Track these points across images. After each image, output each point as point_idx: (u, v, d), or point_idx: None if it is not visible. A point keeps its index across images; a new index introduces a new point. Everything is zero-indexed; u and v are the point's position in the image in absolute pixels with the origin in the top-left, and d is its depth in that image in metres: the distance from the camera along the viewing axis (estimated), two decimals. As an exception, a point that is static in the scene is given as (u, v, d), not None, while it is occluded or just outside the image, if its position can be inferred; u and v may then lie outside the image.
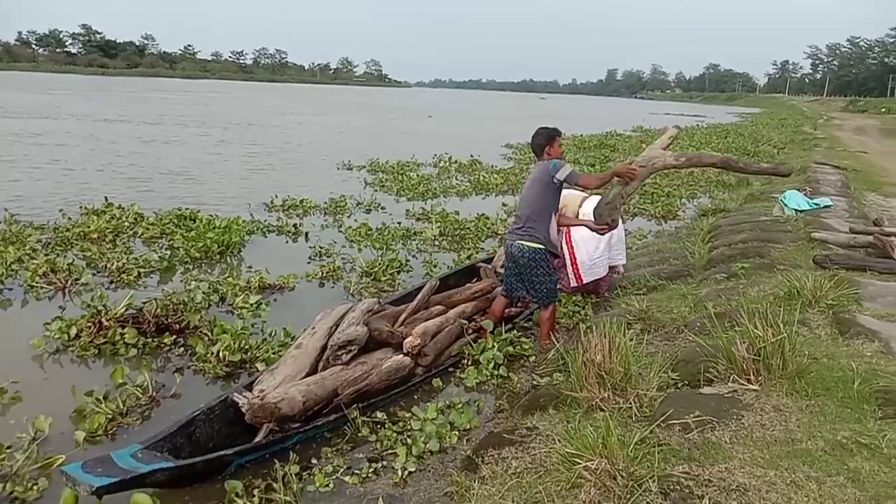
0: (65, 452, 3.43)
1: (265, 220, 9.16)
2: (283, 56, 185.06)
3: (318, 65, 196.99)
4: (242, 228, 8.15)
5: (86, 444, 3.56)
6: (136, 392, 4.08)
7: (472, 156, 17.12)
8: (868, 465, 2.59)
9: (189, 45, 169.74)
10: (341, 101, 58.37)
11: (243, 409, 3.65)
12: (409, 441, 3.69)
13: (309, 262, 7.33)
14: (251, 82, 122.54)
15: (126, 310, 5.15)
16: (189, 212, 8.94)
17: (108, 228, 7.88)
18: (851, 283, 4.92)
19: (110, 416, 3.79)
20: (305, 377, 4.08)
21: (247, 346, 4.71)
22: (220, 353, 4.59)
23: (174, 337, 4.99)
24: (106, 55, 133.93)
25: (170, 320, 5.09)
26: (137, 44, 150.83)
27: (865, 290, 4.80)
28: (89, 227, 7.83)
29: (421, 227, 9.05)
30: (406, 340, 4.57)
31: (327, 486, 3.28)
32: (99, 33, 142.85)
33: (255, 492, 3.16)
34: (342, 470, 3.42)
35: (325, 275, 6.81)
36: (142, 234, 8.04)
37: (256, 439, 3.59)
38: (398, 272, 6.97)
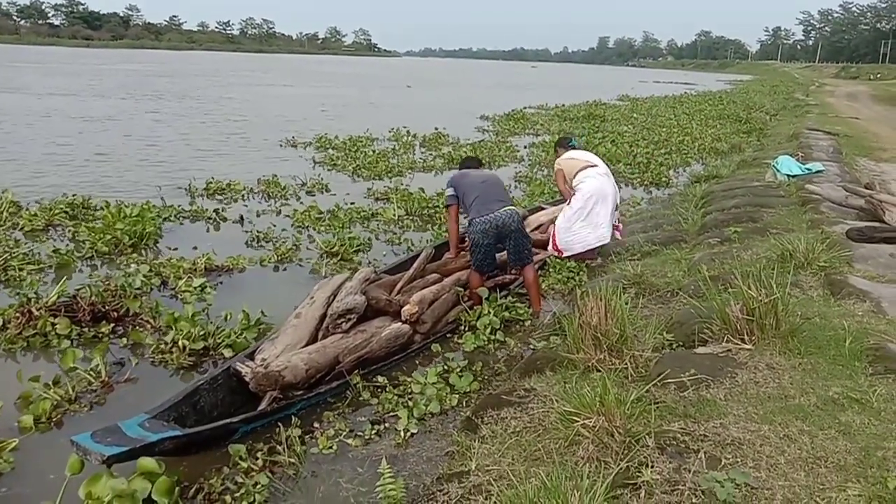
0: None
1: (179, 205, 8.12)
2: (271, 26, 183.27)
3: (307, 35, 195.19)
4: (158, 216, 7.29)
5: (31, 432, 3.41)
6: (88, 377, 3.90)
7: (436, 129, 15.98)
8: (859, 419, 2.66)
9: (174, 16, 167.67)
10: (319, 72, 57.04)
11: (247, 378, 3.69)
12: (411, 404, 3.76)
13: (248, 248, 6.79)
14: (238, 53, 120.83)
15: (59, 297, 4.75)
16: (81, 199, 7.87)
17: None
18: (843, 246, 4.98)
19: (56, 403, 3.61)
20: (306, 346, 4.13)
21: (205, 333, 4.40)
22: (181, 343, 4.27)
23: (112, 325, 4.62)
24: (90, 27, 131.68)
25: (107, 308, 4.71)
26: (121, 15, 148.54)
27: (857, 252, 4.87)
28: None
29: (383, 208, 8.42)
30: (404, 308, 4.62)
31: (331, 448, 3.35)
32: (82, 4, 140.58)
33: (259, 454, 3.22)
34: (345, 433, 3.48)
35: (279, 257, 6.35)
36: (22, 227, 6.94)
37: (260, 407, 3.64)
38: (357, 252, 6.57)
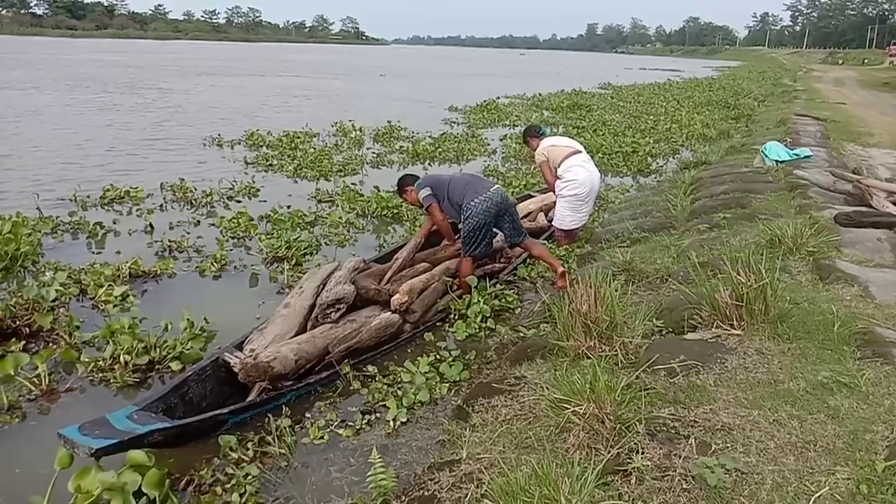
0: None
1: (58, 217, 6.97)
2: (257, 14, 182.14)
3: (294, 23, 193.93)
4: (35, 230, 6.22)
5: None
6: (29, 385, 3.69)
7: (389, 122, 14.73)
8: (847, 403, 2.68)
9: (160, 5, 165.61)
10: (297, 60, 55.74)
11: (236, 369, 3.67)
12: (400, 393, 3.75)
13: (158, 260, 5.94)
14: (224, 42, 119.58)
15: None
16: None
17: None
18: (832, 230, 5.00)
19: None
20: (295, 336, 4.11)
21: (147, 345, 4.05)
22: (122, 358, 3.91)
23: (24, 342, 4.17)
24: (73, 16, 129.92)
25: (18, 323, 4.28)
26: (105, 4, 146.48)
27: (845, 237, 4.89)
28: None
29: (330, 212, 7.67)
30: (393, 298, 4.60)
31: (321, 438, 3.35)
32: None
33: (249, 445, 3.21)
34: (336, 423, 3.48)
35: (216, 262, 5.84)
36: None
37: (250, 398, 3.62)
38: (305, 255, 6.12)
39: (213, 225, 7.14)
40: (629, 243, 6.06)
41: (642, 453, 2.44)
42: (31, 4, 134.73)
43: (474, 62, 70.25)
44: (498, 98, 22.51)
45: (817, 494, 2.15)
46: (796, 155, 8.84)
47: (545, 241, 6.43)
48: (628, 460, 2.41)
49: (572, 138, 7.75)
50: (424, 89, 29.57)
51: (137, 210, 7.69)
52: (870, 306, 3.67)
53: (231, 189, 8.64)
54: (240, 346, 3.96)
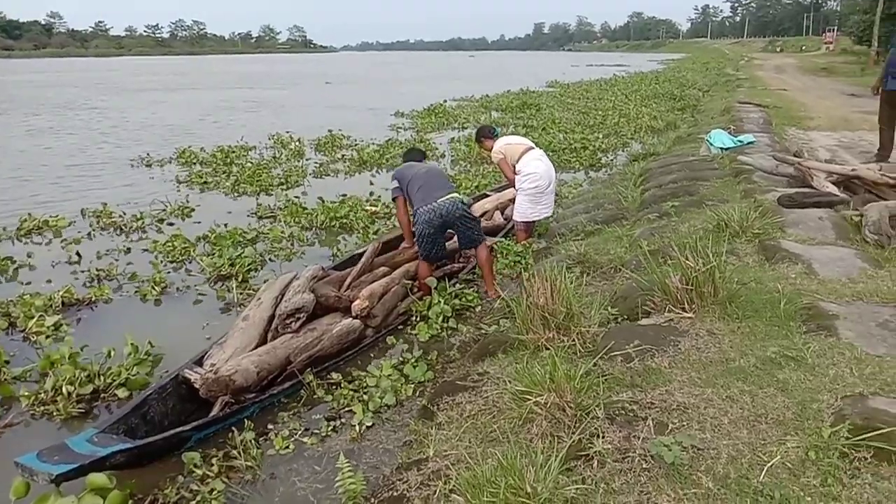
0: None
1: None
2: (202, 27, 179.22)
3: (239, 34, 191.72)
4: None
5: None
6: None
7: (330, 131, 14.48)
8: (795, 375, 2.78)
9: (100, 22, 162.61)
10: (241, 72, 54.75)
11: (196, 385, 3.64)
12: (366, 397, 3.76)
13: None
14: (168, 56, 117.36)
15: None
16: None
17: None
18: (775, 212, 5.17)
19: None
20: (255, 348, 4.08)
21: (90, 374, 3.92)
22: (65, 389, 3.77)
23: None
24: (9, 36, 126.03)
25: None
26: (43, 23, 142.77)
27: (788, 218, 5.06)
28: None
29: (271, 227, 7.44)
30: (354, 303, 4.60)
31: (287, 448, 3.34)
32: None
33: (214, 461, 3.18)
34: (300, 432, 3.48)
35: (156, 285, 5.64)
36: None
37: (212, 413, 3.59)
38: (250, 272, 5.98)
39: (146, 250, 6.75)
40: (583, 236, 6.17)
41: (603, 437, 2.50)
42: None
43: (423, 66, 70.33)
44: (445, 101, 22.15)
45: (770, 464, 2.23)
46: (740, 141, 9.10)
47: (503, 238, 6.51)
48: (590, 445, 2.46)
49: (523, 136, 7.89)
50: (371, 96, 29.09)
51: (62, 241, 7.12)
52: (814, 282, 3.81)
53: (163, 211, 8.26)
54: (199, 362, 3.92)
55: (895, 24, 34.36)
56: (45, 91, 32.15)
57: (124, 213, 8.04)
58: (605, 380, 2.92)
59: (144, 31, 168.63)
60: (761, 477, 2.18)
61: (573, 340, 3.44)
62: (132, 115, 20.88)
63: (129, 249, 6.83)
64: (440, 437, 2.96)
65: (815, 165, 6.37)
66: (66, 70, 58.50)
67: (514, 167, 6.46)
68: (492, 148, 6.65)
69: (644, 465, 2.32)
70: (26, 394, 3.83)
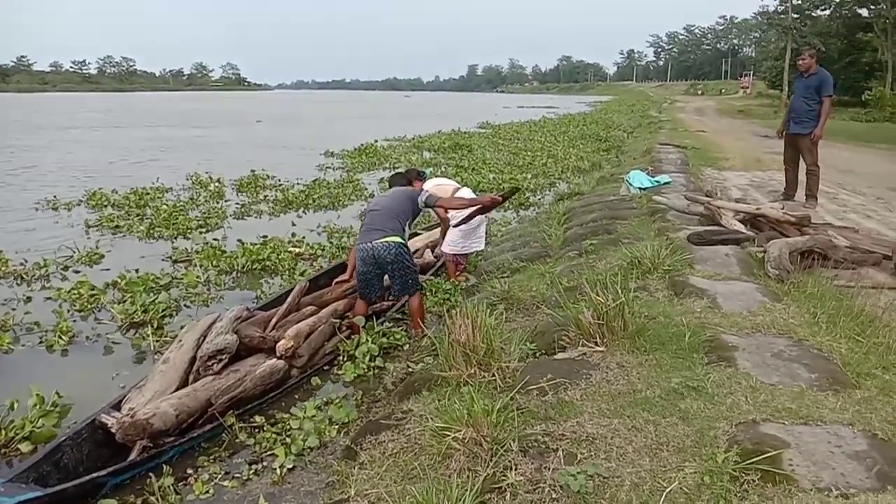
0: None
1: None
2: (132, 64, 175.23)
3: (171, 71, 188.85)
4: None
5: None
6: None
7: (252, 171, 14.47)
8: (696, 405, 2.95)
9: (23, 57, 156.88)
10: (166, 109, 53.65)
11: (113, 429, 3.55)
12: (289, 440, 3.75)
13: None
14: (95, 93, 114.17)
15: None
16: None
17: None
18: (686, 249, 5.46)
19: None
20: (176, 391, 4.02)
21: None
22: None
23: None
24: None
25: None
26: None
27: (697, 254, 5.35)
28: None
29: (187, 271, 7.19)
30: (279, 344, 4.59)
31: (207, 492, 3.29)
32: None
33: (131, 508, 3.11)
34: (220, 475, 3.43)
35: (62, 334, 5.37)
36: None
37: (130, 458, 3.50)
38: (164, 317, 5.82)
39: (49, 298, 6.35)
40: (509, 273, 6.35)
41: (516, 469, 2.60)
42: None
43: (358, 105, 70.90)
44: (377, 141, 21.98)
45: (668, 489, 2.37)
46: (657, 182, 9.56)
47: (432, 277, 6.62)
48: (503, 477, 2.55)
49: (451, 178, 8.11)
50: (302, 135, 29.00)
51: None
52: (717, 316, 4.04)
53: (69, 258, 7.76)
54: (117, 406, 3.83)
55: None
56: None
57: (25, 261, 7.50)
58: (521, 413, 3.02)
59: (71, 67, 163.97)
60: (660, 502, 2.31)
61: (493, 375, 3.54)
62: (46, 154, 19.93)
63: (29, 298, 6.43)
64: (362, 477, 2.99)
65: (724, 205, 6.75)
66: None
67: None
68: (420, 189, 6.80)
69: (553, 495, 2.42)
70: None
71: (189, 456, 3.67)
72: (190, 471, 3.50)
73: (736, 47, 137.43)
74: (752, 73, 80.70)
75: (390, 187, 6.12)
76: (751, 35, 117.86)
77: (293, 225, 9.66)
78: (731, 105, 51.94)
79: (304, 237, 8.61)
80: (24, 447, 3.71)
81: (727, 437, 2.64)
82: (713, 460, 2.49)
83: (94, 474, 3.21)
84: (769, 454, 2.41)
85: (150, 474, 3.31)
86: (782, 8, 48.69)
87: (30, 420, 3.85)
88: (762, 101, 53.95)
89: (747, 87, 74.05)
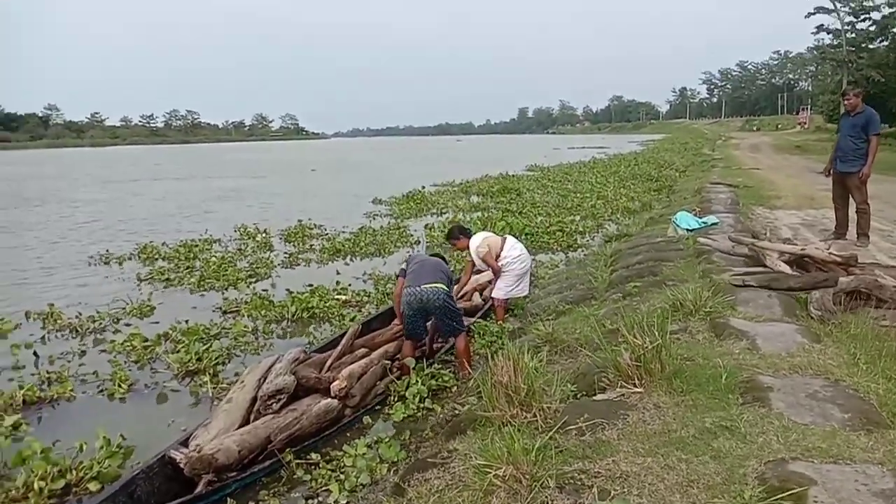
0: None
1: None
2: (196, 116, 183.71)
3: (233, 122, 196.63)
4: None
5: None
6: None
7: (300, 221, 14.89)
8: (728, 444, 3.06)
9: (96, 113, 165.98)
10: (227, 160, 55.64)
11: (181, 464, 3.86)
12: (343, 477, 3.98)
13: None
14: (162, 145, 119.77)
15: None
16: None
17: None
18: (727, 291, 5.53)
19: None
20: (238, 429, 4.32)
21: (62, 469, 4.00)
22: (36, 485, 3.81)
23: None
24: (6, 128, 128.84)
25: None
26: (41, 115, 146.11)
27: (739, 297, 5.41)
28: None
29: (235, 321, 7.44)
30: (333, 384, 4.86)
31: (267, 525, 3.52)
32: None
33: (198, 538, 3.36)
34: (280, 509, 3.67)
35: (122, 383, 5.70)
36: None
37: (196, 490, 3.79)
38: (217, 364, 6.13)
39: (103, 351, 6.67)
40: (554, 316, 6.50)
41: (552, 505, 2.76)
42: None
43: (409, 151, 72.30)
44: (424, 187, 22.20)
45: (696, 524, 2.49)
46: (704, 223, 9.58)
47: (480, 319, 6.83)
48: (540, 513, 2.71)
49: (509, 225, 8.56)
50: (353, 181, 29.85)
51: (12, 346, 6.66)
52: (755, 357, 4.12)
53: (122, 310, 8.04)
54: (185, 443, 4.14)
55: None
56: (27, 184, 31.92)
57: (80, 314, 7.83)
58: (559, 452, 3.18)
59: (139, 121, 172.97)
60: (688, 536, 2.44)
61: (534, 416, 3.70)
62: (108, 208, 20.86)
63: (83, 352, 6.74)
64: (409, 512, 3.19)
65: (768, 246, 6.78)
66: (51, 161, 58.66)
67: (499, 255, 7.02)
68: (466, 246, 7.11)
69: (586, 529, 2.57)
70: None
71: (250, 489, 3.94)
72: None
73: (791, 81, 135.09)
74: (809, 107, 79.15)
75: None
76: (806, 69, 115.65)
77: (338, 273, 9.90)
78: (787, 140, 50.95)
79: (349, 284, 8.93)
80: (93, 486, 3.97)
81: (756, 475, 2.75)
82: (741, 497, 2.60)
83: None
84: (794, 491, 2.51)
85: (215, 506, 3.58)
86: (836, 42, 47.86)
87: (97, 461, 4.12)
88: (820, 135, 52.68)
89: (804, 122, 72.57)
